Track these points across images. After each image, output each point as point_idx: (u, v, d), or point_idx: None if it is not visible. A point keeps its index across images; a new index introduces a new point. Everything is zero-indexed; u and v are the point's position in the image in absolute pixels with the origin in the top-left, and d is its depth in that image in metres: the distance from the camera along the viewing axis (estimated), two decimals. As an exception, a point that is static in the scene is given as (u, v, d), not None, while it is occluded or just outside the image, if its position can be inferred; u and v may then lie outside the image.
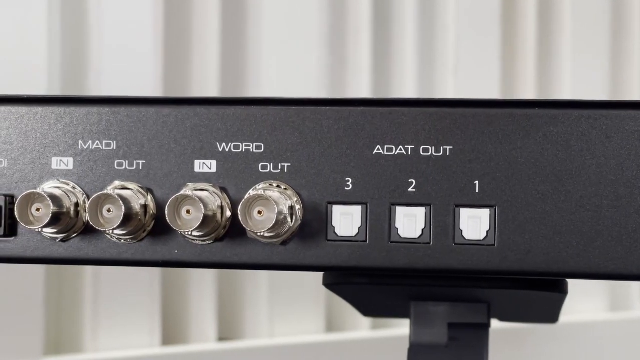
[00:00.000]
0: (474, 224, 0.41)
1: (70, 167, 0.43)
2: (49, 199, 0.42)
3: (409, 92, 0.94)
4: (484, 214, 0.41)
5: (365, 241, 0.42)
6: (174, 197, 0.41)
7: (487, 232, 0.41)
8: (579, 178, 0.41)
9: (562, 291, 0.49)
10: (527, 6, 1.02)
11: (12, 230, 0.43)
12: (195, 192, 0.42)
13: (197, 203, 0.41)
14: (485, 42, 0.99)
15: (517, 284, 0.47)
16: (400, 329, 0.92)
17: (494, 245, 0.41)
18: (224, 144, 0.43)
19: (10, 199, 0.43)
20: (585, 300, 1.05)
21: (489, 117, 0.42)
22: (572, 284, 0.48)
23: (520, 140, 0.41)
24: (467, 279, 0.46)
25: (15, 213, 0.42)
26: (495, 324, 0.58)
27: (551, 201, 0.41)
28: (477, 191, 0.41)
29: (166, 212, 0.41)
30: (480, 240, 0.41)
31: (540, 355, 1.00)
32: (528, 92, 1.01)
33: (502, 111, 0.42)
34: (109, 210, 0.42)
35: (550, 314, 0.61)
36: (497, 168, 0.41)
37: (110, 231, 0.42)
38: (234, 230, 0.42)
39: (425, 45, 0.97)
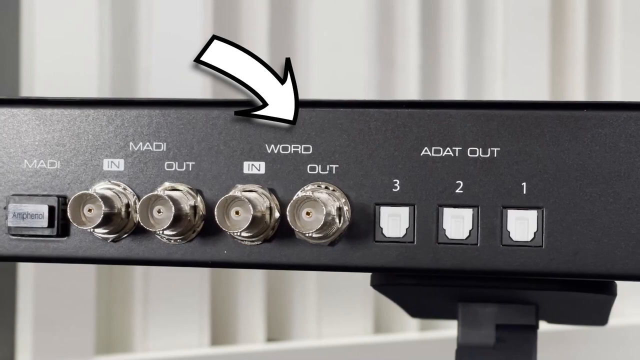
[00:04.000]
0: (522, 225, 0.41)
1: (121, 168, 0.44)
2: (100, 199, 0.42)
3: (457, 94, 0.94)
4: (532, 215, 0.41)
5: (413, 242, 0.42)
6: (223, 198, 0.42)
7: (535, 233, 0.41)
8: (628, 179, 0.41)
9: (611, 293, 0.48)
10: (576, 6, 1.02)
11: (64, 230, 0.44)
12: (244, 194, 0.42)
13: (246, 204, 0.41)
14: (534, 43, 0.98)
15: (565, 286, 0.47)
16: (448, 330, 0.91)
17: (542, 246, 0.41)
18: (272, 145, 0.43)
19: (63, 200, 0.44)
20: (635, 302, 1.04)
21: (537, 118, 0.41)
22: (622, 285, 0.48)
23: (568, 141, 0.41)
24: (514, 280, 0.46)
25: (68, 214, 0.42)
26: (543, 325, 0.57)
27: (599, 203, 0.41)
28: (524, 193, 0.41)
29: (215, 213, 0.42)
30: (527, 242, 0.41)
31: (589, 358, 0.99)
32: (577, 93, 1.01)
33: (549, 113, 0.41)
34: (159, 211, 0.42)
35: (599, 316, 0.61)
36: (544, 169, 0.41)
37: (160, 232, 0.42)
38: (283, 231, 0.42)
39: (474, 47, 0.96)
